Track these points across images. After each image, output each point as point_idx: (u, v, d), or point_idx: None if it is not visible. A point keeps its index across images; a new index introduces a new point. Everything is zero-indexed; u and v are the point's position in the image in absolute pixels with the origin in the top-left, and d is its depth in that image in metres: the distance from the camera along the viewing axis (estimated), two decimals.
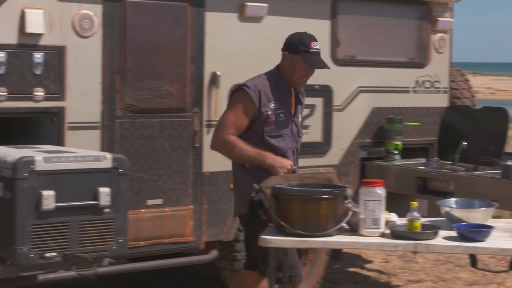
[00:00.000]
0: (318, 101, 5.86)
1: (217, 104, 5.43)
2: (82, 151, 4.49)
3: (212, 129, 5.41)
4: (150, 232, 5.21)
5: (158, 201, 5.26)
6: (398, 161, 6.29)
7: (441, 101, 6.67)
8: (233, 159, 4.62)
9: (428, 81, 6.56)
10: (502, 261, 7.37)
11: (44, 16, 4.74)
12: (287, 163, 4.46)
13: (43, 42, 4.77)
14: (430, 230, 3.85)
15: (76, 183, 4.20)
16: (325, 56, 5.88)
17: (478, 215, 4.03)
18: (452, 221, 3.99)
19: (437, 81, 6.62)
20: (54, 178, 4.12)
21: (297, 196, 3.89)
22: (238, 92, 4.54)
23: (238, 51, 5.52)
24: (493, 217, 4.38)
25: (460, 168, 6.07)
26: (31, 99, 4.74)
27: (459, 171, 6.01)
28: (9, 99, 4.66)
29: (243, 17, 5.51)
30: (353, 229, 3.97)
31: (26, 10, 4.68)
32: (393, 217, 4.09)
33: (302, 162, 5.78)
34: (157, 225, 5.25)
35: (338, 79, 5.95)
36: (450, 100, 6.81)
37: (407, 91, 6.47)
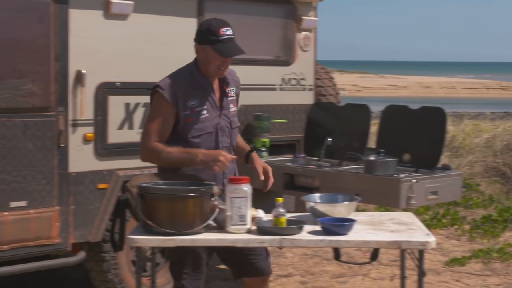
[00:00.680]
0: None
1: (82, 102, 5.34)
2: None
3: (78, 128, 5.35)
4: (14, 235, 5.07)
5: (22, 203, 5.13)
6: (265, 158, 6.36)
7: (306, 98, 6.80)
8: (164, 166, 4.32)
9: (294, 78, 6.68)
10: (367, 253, 7.58)
11: None
12: (217, 155, 4.13)
13: None
14: (295, 225, 3.91)
15: None
16: (192, 55, 5.88)
17: (341, 209, 4.13)
18: (316, 216, 4.07)
19: (302, 79, 6.73)
20: None
21: (163, 195, 3.88)
22: (154, 96, 4.28)
23: (103, 49, 5.44)
24: (359, 211, 4.51)
25: (326, 164, 6.18)
26: None
27: (324, 167, 6.12)
28: None
29: (108, 15, 5.44)
30: (220, 226, 3.98)
31: None
32: (260, 213, 4.14)
33: None
34: (22, 227, 5.12)
35: None
36: (315, 98, 6.94)
37: (274, 89, 6.56)
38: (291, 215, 4.16)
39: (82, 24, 5.33)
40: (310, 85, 6.83)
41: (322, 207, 4.13)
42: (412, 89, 59.18)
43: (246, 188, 3.92)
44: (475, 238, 8.60)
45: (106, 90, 5.45)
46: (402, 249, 4.17)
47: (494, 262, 7.54)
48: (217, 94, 4.38)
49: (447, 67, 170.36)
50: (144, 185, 3.97)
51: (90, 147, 5.43)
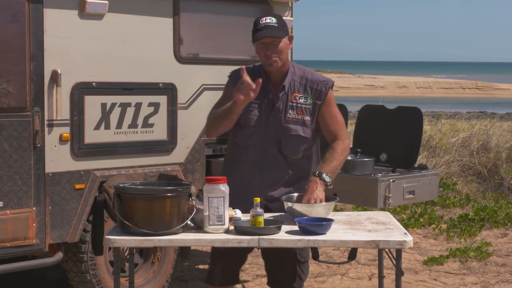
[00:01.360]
0: (162, 99, 5.83)
1: (58, 102, 5.30)
2: None
3: (54, 128, 5.32)
4: None
5: None
6: None
7: None
8: (220, 125, 4.35)
9: None
10: (345, 253, 7.59)
11: None
12: (236, 94, 4.15)
13: None
14: (273, 225, 3.91)
15: None
16: (168, 55, 5.89)
17: (319, 210, 4.11)
18: (294, 216, 4.06)
19: None
20: None
21: (141, 195, 3.86)
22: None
23: (79, 49, 5.41)
24: (336, 210, 4.54)
25: None
26: None
27: None
28: None
29: (84, 14, 5.41)
30: (198, 227, 3.98)
31: None
32: (238, 213, 4.13)
33: (148, 161, 5.79)
34: None
35: (182, 77, 5.95)
36: None
37: None
38: (269, 215, 4.16)
39: (57, 24, 5.29)
40: None
41: (300, 208, 4.12)
42: (388, 89, 59.45)
43: (224, 188, 3.91)
44: (453, 237, 8.65)
45: (82, 90, 5.42)
46: (380, 249, 4.18)
47: (471, 261, 7.58)
48: (276, 94, 4.37)
49: (423, 67, 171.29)
50: (121, 185, 3.95)
51: (66, 147, 5.40)
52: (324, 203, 4.17)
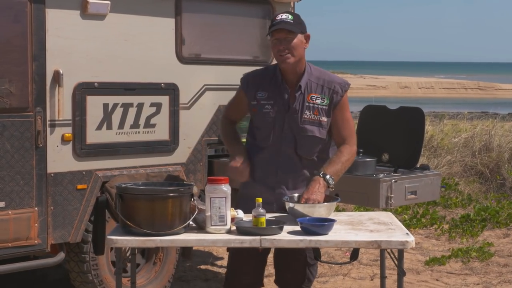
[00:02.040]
0: (164, 100, 5.84)
1: (60, 103, 5.30)
2: None
3: (56, 129, 5.33)
4: None
5: (1, 204, 5.09)
6: None
7: None
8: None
9: None
10: (347, 253, 7.59)
11: None
12: (230, 167, 4.33)
13: None
14: (275, 226, 3.91)
15: None
16: (170, 55, 5.89)
17: (320, 210, 4.11)
18: (296, 217, 4.06)
19: None
20: None
21: (143, 195, 3.86)
22: None
23: (81, 49, 5.41)
24: (338, 211, 4.55)
25: None
26: None
27: None
28: None
29: (85, 15, 5.41)
30: (200, 227, 3.98)
31: None
32: (239, 213, 4.13)
33: (150, 161, 5.79)
34: (0, 228, 5.08)
35: (184, 77, 5.95)
36: None
37: None
38: (270, 215, 4.16)
39: (59, 24, 5.29)
40: None
41: (301, 208, 4.11)
42: (390, 89, 59.43)
43: (226, 188, 3.92)
44: (454, 237, 8.64)
45: (84, 90, 5.42)
46: (382, 249, 4.18)
47: (473, 261, 7.58)
48: (292, 95, 4.34)
49: (425, 67, 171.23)
50: (123, 185, 3.95)
51: (68, 148, 5.40)
52: (325, 203, 4.16)
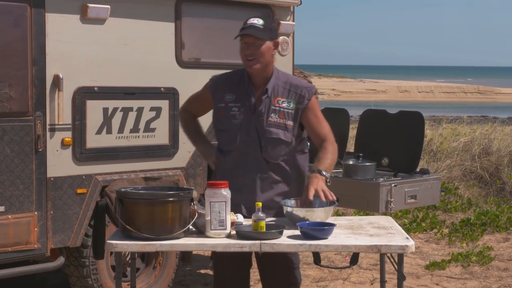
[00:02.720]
0: (164, 104, 5.84)
1: (60, 107, 5.30)
2: None
3: (56, 133, 5.33)
4: None
5: (0, 208, 5.09)
6: None
7: None
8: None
9: None
10: (347, 257, 7.59)
11: None
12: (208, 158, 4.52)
13: None
14: (275, 230, 3.91)
15: None
16: (170, 59, 5.89)
17: (318, 214, 4.10)
18: (293, 221, 4.07)
19: None
20: None
21: (142, 200, 3.86)
22: None
23: (81, 53, 5.41)
24: (338, 215, 4.55)
25: None
26: None
27: None
28: None
29: (85, 19, 5.41)
30: (200, 231, 3.97)
31: None
32: (239, 218, 4.12)
33: (150, 165, 5.79)
34: (0, 233, 5.07)
35: (184, 81, 5.95)
36: None
37: None
38: (270, 220, 4.16)
39: (59, 28, 5.29)
40: None
41: (299, 212, 4.11)
42: (390, 93, 59.48)
43: (226, 192, 3.91)
44: (454, 241, 8.64)
45: (84, 94, 5.42)
46: (382, 253, 4.18)
47: (473, 265, 7.58)
48: (258, 98, 4.37)
49: (425, 71, 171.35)
50: (123, 189, 3.95)
51: (68, 152, 5.40)
52: (323, 208, 4.15)
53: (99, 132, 5.52)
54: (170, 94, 5.86)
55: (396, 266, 4.00)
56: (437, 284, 6.99)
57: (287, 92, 4.38)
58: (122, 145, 5.64)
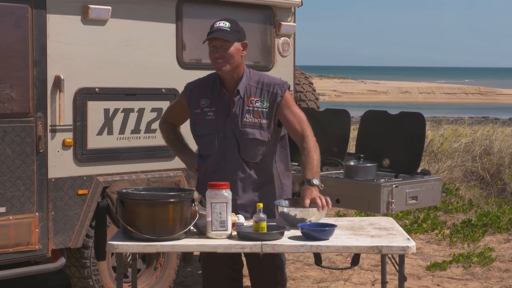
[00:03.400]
0: (165, 105, 5.82)
1: (61, 108, 5.30)
2: None
3: (57, 134, 5.33)
4: None
5: (2, 209, 5.09)
6: None
7: None
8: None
9: None
10: (348, 258, 7.59)
11: None
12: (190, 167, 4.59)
13: None
14: (276, 231, 3.91)
15: None
16: (171, 60, 5.89)
17: (314, 213, 4.11)
18: (287, 221, 4.09)
19: None
20: None
21: (143, 200, 3.86)
22: None
23: (82, 55, 5.42)
24: (339, 216, 4.55)
25: None
26: None
27: None
28: None
29: (86, 20, 5.41)
30: (201, 232, 3.98)
31: None
32: (240, 219, 4.13)
33: (151, 166, 5.79)
34: (1, 234, 5.08)
35: (185, 82, 5.89)
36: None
37: None
38: (271, 220, 4.16)
39: (60, 29, 5.30)
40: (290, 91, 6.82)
41: (294, 212, 4.12)
42: (391, 94, 59.46)
43: (227, 193, 3.92)
44: (456, 242, 8.64)
45: (85, 95, 5.43)
46: (383, 254, 4.18)
47: (474, 266, 7.57)
48: (231, 100, 4.40)
49: (426, 72, 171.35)
50: (124, 190, 3.95)
51: (69, 153, 5.40)
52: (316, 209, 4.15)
53: (100, 133, 5.52)
54: (171, 95, 5.86)
55: (397, 267, 4.00)
56: (438, 285, 6.99)
57: (260, 91, 4.42)
58: (123, 146, 5.64)
